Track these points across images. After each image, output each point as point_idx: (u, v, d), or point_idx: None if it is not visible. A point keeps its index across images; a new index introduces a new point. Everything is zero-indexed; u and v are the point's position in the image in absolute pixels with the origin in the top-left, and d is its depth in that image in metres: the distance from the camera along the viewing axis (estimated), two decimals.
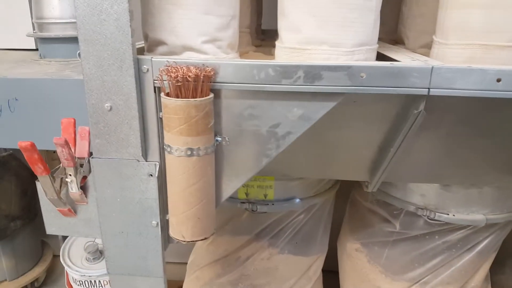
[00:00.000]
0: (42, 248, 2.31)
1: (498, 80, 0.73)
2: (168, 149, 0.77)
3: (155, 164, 0.84)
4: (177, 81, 0.71)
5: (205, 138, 0.76)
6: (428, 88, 0.75)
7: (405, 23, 1.16)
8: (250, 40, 1.26)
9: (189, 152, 0.75)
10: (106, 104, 0.79)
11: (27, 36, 1.37)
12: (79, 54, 0.78)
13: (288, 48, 0.85)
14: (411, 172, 1.09)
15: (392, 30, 1.30)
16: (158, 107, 0.80)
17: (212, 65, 0.76)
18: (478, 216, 1.23)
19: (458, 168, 1.06)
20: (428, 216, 1.28)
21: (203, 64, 0.75)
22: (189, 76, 0.71)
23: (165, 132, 0.77)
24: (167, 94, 0.75)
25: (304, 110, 0.80)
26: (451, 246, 1.32)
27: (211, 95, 0.75)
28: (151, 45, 0.85)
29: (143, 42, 0.93)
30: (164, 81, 0.75)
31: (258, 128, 0.83)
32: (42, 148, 0.95)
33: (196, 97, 0.74)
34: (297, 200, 1.29)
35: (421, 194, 1.27)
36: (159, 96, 0.79)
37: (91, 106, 0.81)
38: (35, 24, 1.34)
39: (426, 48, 1.10)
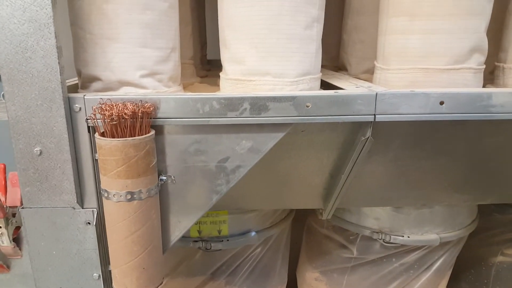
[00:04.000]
0: None
1: (441, 103, 0.75)
2: (106, 194, 0.70)
3: (93, 211, 0.77)
4: (112, 119, 0.65)
5: (147, 179, 0.71)
6: (374, 115, 0.75)
7: (346, 50, 1.18)
8: (195, 71, 1.23)
9: (129, 196, 0.69)
10: (36, 149, 0.72)
11: None
12: (3, 95, 0.71)
13: (232, 80, 0.82)
14: (364, 196, 1.09)
15: (334, 57, 1.32)
16: (93, 148, 0.74)
17: (151, 100, 0.71)
18: (432, 236, 1.25)
19: (409, 189, 1.07)
20: (383, 240, 1.28)
21: (141, 100, 0.70)
22: (125, 114, 0.65)
23: (101, 176, 0.70)
24: (102, 134, 0.69)
25: (253, 142, 0.77)
26: (408, 267, 1.32)
27: (152, 132, 0.70)
28: (84, 81, 0.79)
29: (76, 78, 0.86)
30: (98, 120, 0.69)
31: (206, 163, 0.78)
32: None
33: (134, 136, 0.68)
34: (253, 233, 1.24)
35: (375, 217, 1.27)
36: (94, 136, 0.73)
37: (19, 151, 0.72)
38: None
39: (368, 73, 1.12)
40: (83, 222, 0.76)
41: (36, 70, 0.68)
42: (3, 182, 0.83)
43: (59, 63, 0.68)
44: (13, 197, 0.83)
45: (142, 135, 0.68)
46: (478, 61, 0.83)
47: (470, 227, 1.31)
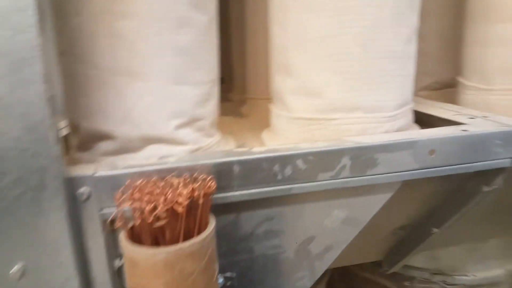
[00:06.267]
0: None
1: None
2: None
3: None
4: (158, 217, 0.38)
5: None
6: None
7: None
8: None
9: None
10: (14, 268, 0.43)
11: None
12: None
13: (301, 119, 0.57)
14: (441, 241, 0.87)
15: None
16: (111, 252, 0.46)
17: (207, 167, 0.45)
18: (498, 271, 1.06)
19: (493, 226, 0.88)
20: (445, 281, 1.07)
21: (196, 170, 0.44)
22: (179, 203, 0.39)
23: None
24: (133, 234, 0.42)
25: (349, 210, 0.53)
26: None
27: (213, 225, 0.44)
28: (85, 140, 0.51)
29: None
30: (126, 211, 0.41)
31: (281, 250, 0.53)
32: None
33: (189, 234, 0.41)
34: None
35: (433, 257, 1.07)
36: (111, 233, 0.45)
37: None
38: None
39: (426, 90, 0.92)
40: None
41: (11, 138, 0.40)
42: None
43: (52, 125, 0.40)
44: None
45: (200, 231, 0.42)
46: None
47: None
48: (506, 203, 0.79)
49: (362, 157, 0.49)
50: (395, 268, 0.90)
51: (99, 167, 0.45)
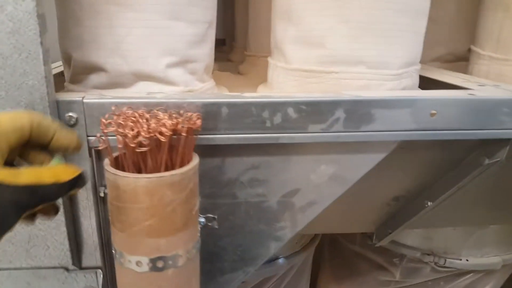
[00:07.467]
0: None
1: None
2: (121, 260, 0.43)
3: (97, 273, 0.49)
4: (140, 144, 0.38)
5: (186, 234, 0.44)
6: None
7: None
8: None
9: (161, 264, 0.42)
10: None
11: None
12: None
13: (299, 71, 0.55)
14: (434, 220, 0.86)
15: None
16: (98, 180, 0.46)
17: (194, 106, 0.44)
18: (494, 259, 1.05)
19: (489, 209, 0.85)
20: (436, 263, 1.06)
21: (183, 108, 0.43)
22: (161, 134, 0.38)
23: (114, 230, 0.43)
24: (116, 163, 0.41)
25: (337, 167, 0.52)
26: None
27: (196, 161, 0.43)
28: (77, 72, 0.51)
29: (60, 64, 0.57)
30: (110, 137, 0.41)
31: (265, 199, 0.53)
32: None
33: (171, 167, 0.41)
34: (281, 259, 1.00)
35: (427, 237, 1.06)
36: (98, 163, 0.45)
37: None
38: None
39: (438, 61, 0.89)
40: None
41: (0, 59, 0.39)
42: None
43: (41, 43, 0.39)
44: None
45: (183, 164, 0.41)
46: None
47: None
48: (508, 186, 0.77)
49: (358, 111, 0.47)
50: (385, 241, 0.89)
51: (86, 94, 0.44)
